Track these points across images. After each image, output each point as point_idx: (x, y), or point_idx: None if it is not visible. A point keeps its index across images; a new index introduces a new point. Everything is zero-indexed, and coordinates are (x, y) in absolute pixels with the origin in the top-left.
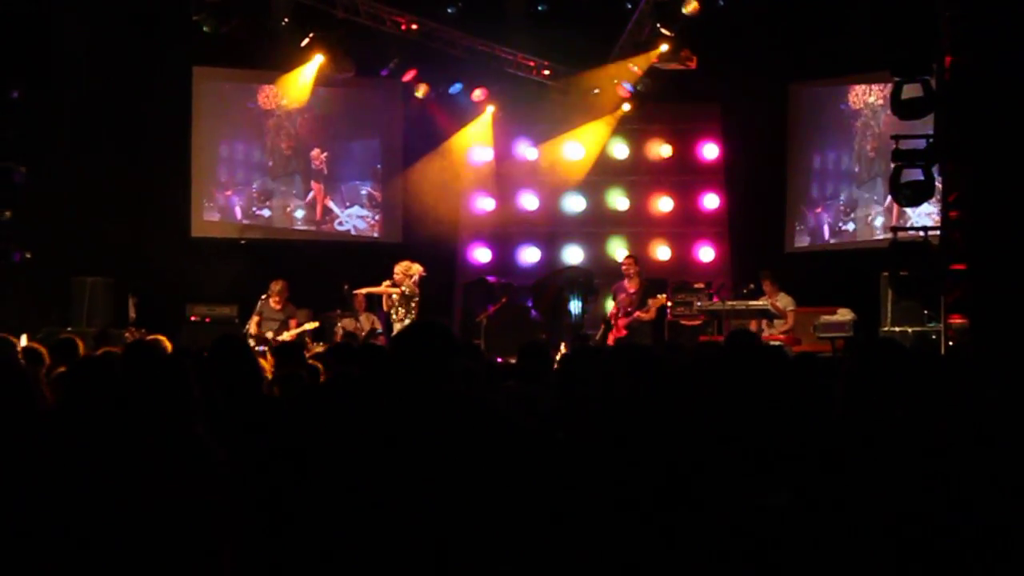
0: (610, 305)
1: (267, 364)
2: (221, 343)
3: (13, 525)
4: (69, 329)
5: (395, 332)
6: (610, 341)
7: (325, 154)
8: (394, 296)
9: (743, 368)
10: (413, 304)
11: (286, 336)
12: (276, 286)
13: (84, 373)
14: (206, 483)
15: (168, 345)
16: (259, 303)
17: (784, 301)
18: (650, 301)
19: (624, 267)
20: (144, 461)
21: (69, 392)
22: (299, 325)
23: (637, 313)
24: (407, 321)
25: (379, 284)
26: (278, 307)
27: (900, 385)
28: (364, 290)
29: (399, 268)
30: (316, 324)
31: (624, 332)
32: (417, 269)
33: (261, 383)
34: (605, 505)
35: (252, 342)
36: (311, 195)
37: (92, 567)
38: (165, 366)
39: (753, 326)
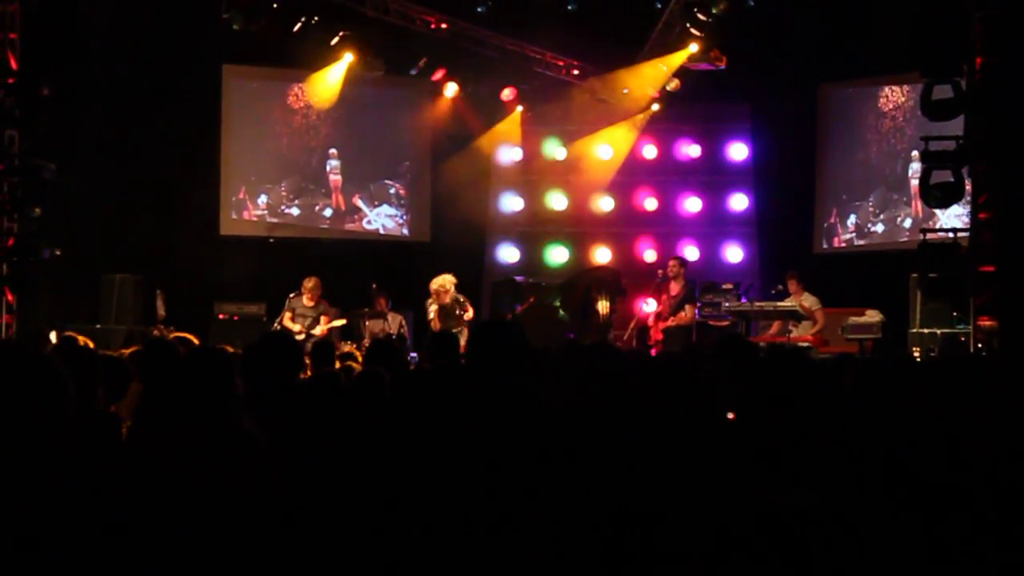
0: (653, 303)
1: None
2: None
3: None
4: (98, 326)
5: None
6: (651, 341)
7: (338, 149)
8: (431, 315)
9: (772, 368)
10: (459, 312)
11: (317, 331)
12: (309, 283)
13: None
14: (256, 477)
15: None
16: (288, 300)
17: (809, 301)
18: (687, 307)
19: (668, 269)
20: (195, 457)
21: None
22: (330, 322)
23: (665, 322)
24: (459, 330)
25: (405, 284)
26: (311, 303)
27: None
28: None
29: (433, 287)
30: (344, 321)
31: (661, 336)
32: (450, 280)
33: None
34: (627, 500)
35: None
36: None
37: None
38: (210, 362)
39: (776, 327)
